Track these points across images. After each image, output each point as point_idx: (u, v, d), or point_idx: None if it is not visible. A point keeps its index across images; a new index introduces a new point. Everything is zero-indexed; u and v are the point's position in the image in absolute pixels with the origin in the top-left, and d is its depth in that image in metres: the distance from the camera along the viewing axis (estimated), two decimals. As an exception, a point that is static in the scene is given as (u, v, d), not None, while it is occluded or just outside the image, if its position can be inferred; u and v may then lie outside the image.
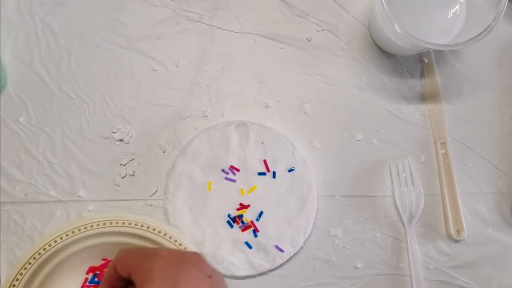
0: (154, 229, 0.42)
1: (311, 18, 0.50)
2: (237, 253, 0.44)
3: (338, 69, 0.49)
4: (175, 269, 0.27)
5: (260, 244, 0.44)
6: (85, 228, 0.41)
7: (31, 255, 0.41)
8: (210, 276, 0.28)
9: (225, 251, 0.44)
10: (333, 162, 0.47)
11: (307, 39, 0.49)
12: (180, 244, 0.41)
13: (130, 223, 0.41)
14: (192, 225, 0.45)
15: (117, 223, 0.41)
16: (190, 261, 0.28)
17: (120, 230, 0.42)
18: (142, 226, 0.42)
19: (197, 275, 0.27)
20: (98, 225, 0.41)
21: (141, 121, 0.47)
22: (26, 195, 0.45)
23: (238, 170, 0.46)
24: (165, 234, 0.41)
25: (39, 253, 0.41)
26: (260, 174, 0.46)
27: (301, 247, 0.45)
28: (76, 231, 0.41)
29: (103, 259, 0.43)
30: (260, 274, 0.45)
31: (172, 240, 0.41)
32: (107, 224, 0.41)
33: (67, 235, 0.41)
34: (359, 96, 0.49)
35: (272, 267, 0.44)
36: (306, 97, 0.48)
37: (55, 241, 0.41)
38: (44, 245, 0.41)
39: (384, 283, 0.46)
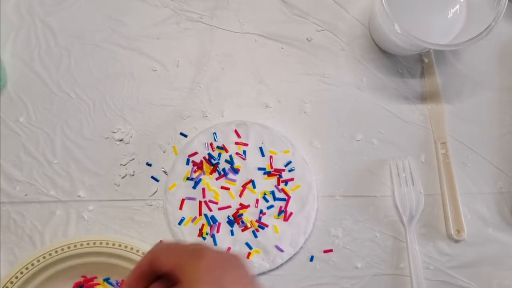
0: (132, 248, 0.43)
1: (311, 18, 0.50)
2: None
3: (338, 69, 0.49)
4: (220, 271, 0.27)
5: (260, 244, 0.44)
6: (68, 248, 0.42)
7: (9, 279, 0.41)
8: (253, 277, 0.28)
9: (225, 251, 0.44)
10: (333, 162, 0.47)
11: (307, 39, 0.49)
12: None
13: (107, 243, 0.43)
14: (192, 225, 0.45)
15: (100, 243, 0.43)
16: (234, 262, 0.28)
17: (100, 251, 0.43)
18: (120, 245, 0.43)
19: (241, 277, 0.27)
20: (81, 245, 0.43)
21: (141, 121, 0.47)
22: (26, 195, 0.45)
23: (238, 170, 0.46)
24: (143, 253, 0.42)
25: (22, 272, 0.41)
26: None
27: (301, 247, 0.45)
28: (59, 251, 0.42)
29: (83, 276, 0.44)
30: (260, 274, 0.45)
31: None
32: (91, 244, 0.43)
33: (50, 254, 0.42)
34: (359, 96, 0.49)
35: (272, 267, 0.44)
36: (306, 97, 0.48)
37: (38, 260, 0.42)
38: (21, 268, 0.42)
39: (384, 283, 0.46)
